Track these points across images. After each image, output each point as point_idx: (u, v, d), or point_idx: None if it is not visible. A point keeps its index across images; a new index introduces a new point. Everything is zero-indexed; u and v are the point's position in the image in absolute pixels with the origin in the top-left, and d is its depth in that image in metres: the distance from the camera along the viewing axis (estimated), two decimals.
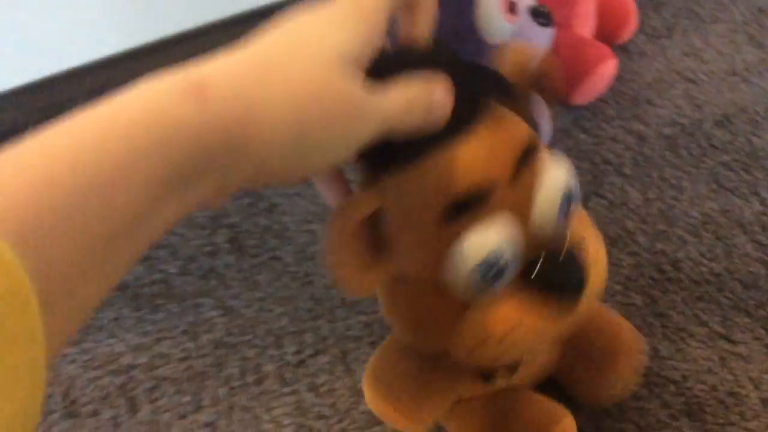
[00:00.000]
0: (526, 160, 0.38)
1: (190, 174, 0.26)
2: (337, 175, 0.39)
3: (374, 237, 0.39)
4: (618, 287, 0.64)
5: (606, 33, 0.86)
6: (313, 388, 0.59)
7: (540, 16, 0.67)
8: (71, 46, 0.76)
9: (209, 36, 0.81)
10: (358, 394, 0.58)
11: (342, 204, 0.37)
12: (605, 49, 0.79)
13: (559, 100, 0.81)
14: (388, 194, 0.38)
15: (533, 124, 0.41)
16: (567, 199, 0.39)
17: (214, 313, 0.65)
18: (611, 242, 0.66)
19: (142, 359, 0.62)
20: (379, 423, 0.56)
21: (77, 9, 0.73)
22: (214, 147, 0.26)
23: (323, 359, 0.61)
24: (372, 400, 0.49)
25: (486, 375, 0.47)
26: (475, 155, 0.37)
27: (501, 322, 0.38)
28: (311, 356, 0.61)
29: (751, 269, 0.64)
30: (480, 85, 0.38)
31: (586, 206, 0.70)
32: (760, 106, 0.79)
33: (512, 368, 0.47)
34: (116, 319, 0.65)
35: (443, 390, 0.48)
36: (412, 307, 0.42)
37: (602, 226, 0.68)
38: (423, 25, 0.37)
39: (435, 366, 0.47)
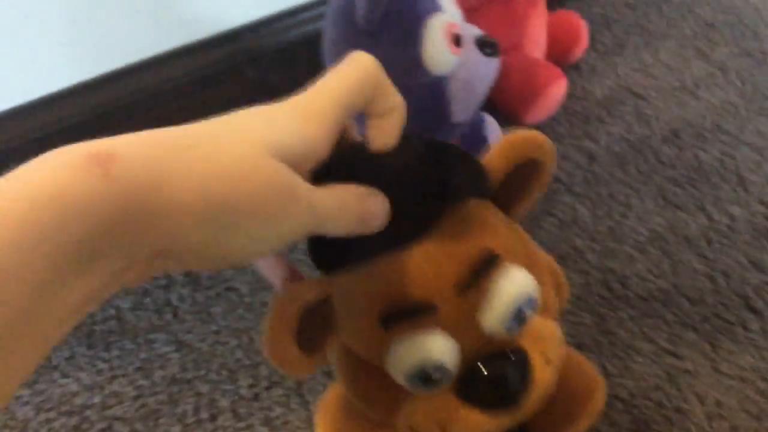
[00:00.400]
0: (477, 274, 0.37)
1: (94, 248, 0.24)
2: (279, 259, 0.38)
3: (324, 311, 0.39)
4: (568, 306, 0.64)
5: (558, 53, 0.88)
6: (267, 422, 0.59)
7: (486, 46, 0.68)
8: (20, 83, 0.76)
9: (165, 65, 0.82)
10: (313, 427, 0.58)
11: (284, 293, 0.37)
12: (556, 71, 0.81)
13: (512, 120, 0.82)
14: (335, 287, 0.38)
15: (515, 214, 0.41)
16: (519, 312, 0.38)
17: (168, 348, 0.65)
18: (561, 261, 0.67)
19: (96, 399, 0.62)
20: None
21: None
22: (117, 218, 0.25)
23: (278, 392, 0.61)
24: None
25: None
26: (421, 268, 0.36)
27: (443, 413, 0.39)
28: (266, 389, 0.61)
29: (697, 284, 0.65)
30: (447, 184, 0.36)
31: (537, 225, 0.71)
32: (707, 120, 0.81)
33: None
34: (70, 357, 0.65)
35: None
36: (358, 380, 0.42)
37: (552, 244, 0.69)
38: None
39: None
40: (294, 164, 0.29)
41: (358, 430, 0.47)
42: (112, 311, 0.68)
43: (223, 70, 0.84)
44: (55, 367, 0.64)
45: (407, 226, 0.35)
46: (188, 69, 0.82)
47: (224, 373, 0.63)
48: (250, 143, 0.28)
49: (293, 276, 0.38)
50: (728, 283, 0.65)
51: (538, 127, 0.81)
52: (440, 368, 0.37)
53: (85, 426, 0.60)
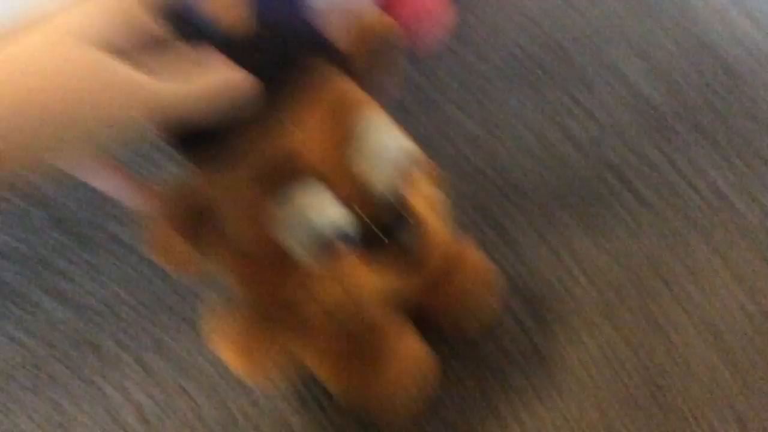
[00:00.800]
0: (353, 129, 0.37)
1: None
2: (114, 167, 0.36)
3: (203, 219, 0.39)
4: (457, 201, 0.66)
5: None
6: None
7: None
8: None
9: None
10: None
11: (163, 197, 0.37)
12: None
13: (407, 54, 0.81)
14: (215, 184, 0.37)
15: (370, 85, 0.41)
16: (401, 167, 0.39)
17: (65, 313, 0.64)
18: (446, 166, 0.68)
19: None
20: None
21: None
22: None
23: None
24: (222, 355, 0.49)
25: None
26: (299, 137, 0.36)
27: (351, 279, 0.40)
28: None
29: (582, 174, 0.68)
30: (302, 54, 0.36)
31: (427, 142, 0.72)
32: (588, 30, 0.82)
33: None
34: None
35: (279, 341, 0.47)
36: (257, 279, 0.42)
37: (442, 160, 0.70)
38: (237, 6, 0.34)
39: (270, 324, 0.46)
40: (111, 47, 0.28)
41: (263, 344, 0.47)
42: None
43: None
44: None
45: (272, 97, 0.35)
46: None
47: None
48: (57, 35, 0.27)
49: (141, 187, 0.37)
50: (610, 168, 0.68)
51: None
52: (337, 223, 0.37)
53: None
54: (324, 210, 0.37)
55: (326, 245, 0.38)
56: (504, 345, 0.58)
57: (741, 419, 0.53)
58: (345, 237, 0.38)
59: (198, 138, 0.35)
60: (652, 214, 0.64)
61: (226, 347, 0.47)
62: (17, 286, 0.66)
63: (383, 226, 0.39)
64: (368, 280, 0.40)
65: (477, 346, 0.58)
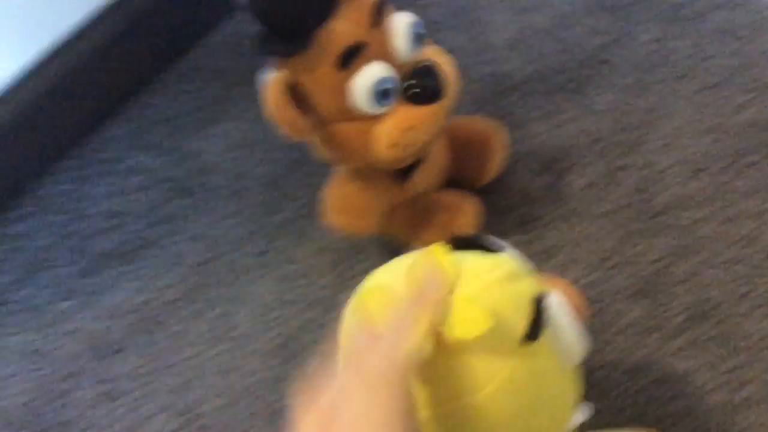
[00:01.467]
0: (379, 16, 0.56)
1: None
2: None
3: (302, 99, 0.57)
4: (470, 106, 0.84)
5: None
6: (285, 261, 0.77)
7: None
8: None
9: None
10: (319, 252, 0.77)
11: (266, 87, 0.56)
12: None
13: None
14: (298, 69, 0.56)
15: None
16: (415, 33, 0.58)
17: (188, 243, 0.81)
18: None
19: (149, 295, 0.78)
20: (340, 263, 0.75)
21: None
22: None
23: (283, 241, 0.79)
24: (332, 218, 0.68)
25: (404, 174, 0.66)
26: (344, 24, 0.55)
27: (402, 122, 0.58)
28: (273, 241, 0.79)
29: (558, 59, 0.85)
30: None
31: None
32: None
33: (422, 160, 0.66)
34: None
35: (379, 196, 0.67)
36: (336, 138, 0.60)
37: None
38: None
39: (369, 184, 0.66)
40: None
41: (353, 197, 0.67)
42: (132, 235, 0.83)
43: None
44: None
45: (325, 5, 0.54)
46: None
47: (238, 243, 0.80)
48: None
49: None
50: (580, 49, 0.85)
51: None
52: (389, 79, 0.56)
53: (149, 315, 0.77)
54: (378, 71, 0.56)
55: (384, 92, 0.56)
56: (518, 188, 0.76)
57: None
58: (394, 88, 0.57)
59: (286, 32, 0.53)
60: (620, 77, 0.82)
61: (334, 210, 0.65)
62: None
63: (418, 76, 0.58)
64: (417, 116, 0.59)
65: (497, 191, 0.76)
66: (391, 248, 0.75)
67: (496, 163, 0.74)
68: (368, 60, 0.57)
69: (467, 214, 0.71)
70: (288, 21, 0.55)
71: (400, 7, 0.58)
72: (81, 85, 0.92)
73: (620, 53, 0.84)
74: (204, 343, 0.74)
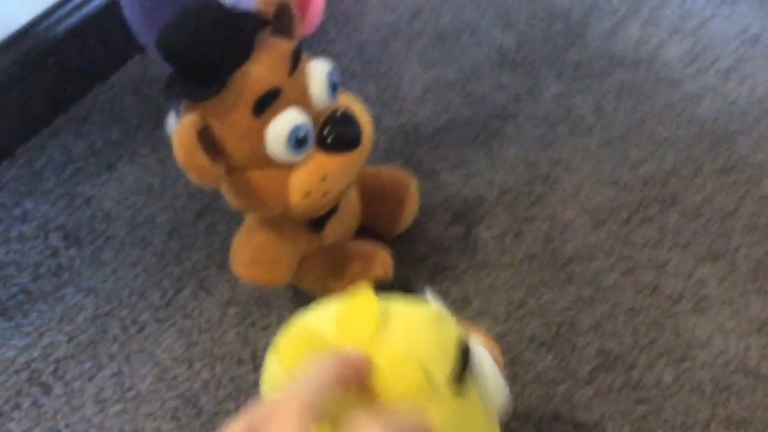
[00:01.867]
0: (296, 63, 0.55)
1: None
2: None
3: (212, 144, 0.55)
4: (382, 156, 0.83)
5: None
6: (186, 316, 0.73)
7: None
8: None
9: None
10: (223, 305, 0.73)
11: (175, 131, 0.53)
12: None
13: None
14: (209, 112, 0.54)
15: (292, 34, 0.58)
16: (332, 82, 0.57)
17: (78, 297, 0.75)
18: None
19: (35, 353, 0.71)
20: (248, 316, 0.72)
21: None
22: None
23: (185, 293, 0.74)
24: (241, 270, 0.65)
25: (316, 224, 0.64)
26: (261, 69, 0.54)
27: (317, 171, 0.57)
28: (174, 295, 0.74)
29: (465, 113, 0.87)
30: (247, 24, 0.54)
31: None
32: None
33: (334, 211, 0.65)
34: None
35: (291, 246, 0.65)
36: (248, 186, 0.58)
37: None
38: None
39: (280, 234, 0.64)
40: None
41: (263, 249, 0.64)
42: (15, 288, 0.77)
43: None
44: None
45: (243, 46, 0.53)
46: None
47: (134, 297, 0.75)
48: None
49: None
50: (485, 104, 0.87)
51: (312, 37, 0.97)
52: (305, 126, 0.55)
53: (36, 375, 0.70)
54: (294, 118, 0.55)
55: (299, 139, 0.55)
56: (430, 239, 0.76)
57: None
58: (309, 136, 0.56)
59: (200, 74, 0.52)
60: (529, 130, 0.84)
61: (244, 261, 0.62)
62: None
63: (334, 124, 0.57)
64: (332, 163, 0.58)
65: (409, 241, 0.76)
66: (301, 300, 0.72)
67: (409, 213, 0.73)
68: (284, 106, 0.55)
69: (381, 264, 0.69)
70: (202, 63, 0.53)
71: (313, 55, 0.58)
72: None
73: (525, 108, 0.86)
74: (96, 405, 0.68)
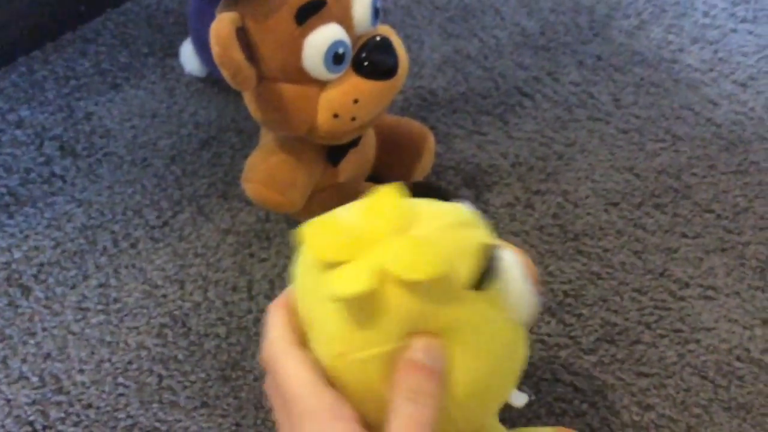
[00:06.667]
0: None
1: None
2: None
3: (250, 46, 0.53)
4: (398, 113, 0.82)
5: None
6: (182, 238, 0.70)
7: None
8: None
9: None
10: (222, 233, 0.70)
11: (214, 25, 0.50)
12: None
13: None
14: (250, 13, 0.52)
15: None
16: (375, 7, 0.55)
17: (69, 206, 0.72)
18: None
19: (17, 254, 0.68)
20: (246, 246, 0.69)
21: None
22: None
23: (184, 216, 0.72)
24: (253, 188, 0.62)
25: (335, 156, 0.62)
26: None
27: (350, 92, 0.55)
28: (172, 216, 0.72)
29: (484, 85, 0.86)
30: None
31: None
32: None
33: (354, 145, 0.63)
34: None
35: (306, 173, 0.62)
36: (276, 98, 0.55)
37: None
38: None
39: (298, 158, 0.61)
40: None
41: (278, 170, 0.61)
42: (2, 189, 0.73)
43: None
44: None
45: None
46: None
47: (129, 213, 0.72)
48: None
49: None
50: (505, 80, 0.87)
51: None
52: (345, 44, 0.53)
53: (15, 276, 0.66)
54: (335, 33, 0.53)
55: (337, 55, 0.53)
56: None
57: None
58: (347, 56, 0.54)
59: None
60: (536, 108, 0.83)
61: (256, 180, 0.60)
62: None
63: (373, 50, 0.55)
64: (367, 89, 0.56)
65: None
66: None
67: (424, 165, 0.72)
68: (326, 20, 0.53)
69: None
70: None
71: None
72: None
73: (542, 90, 0.86)
74: (77, 312, 0.65)
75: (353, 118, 0.57)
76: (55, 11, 0.90)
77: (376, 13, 0.57)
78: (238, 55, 0.51)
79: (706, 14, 0.94)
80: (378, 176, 0.72)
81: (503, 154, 0.79)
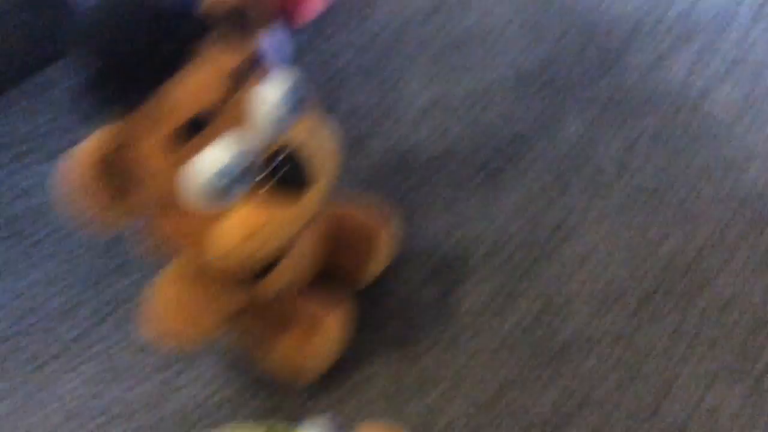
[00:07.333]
0: (237, 84, 0.44)
1: None
2: None
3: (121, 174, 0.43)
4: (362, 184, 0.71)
5: None
6: None
7: None
8: None
9: None
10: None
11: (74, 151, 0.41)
12: None
13: (284, 24, 0.85)
14: (122, 134, 0.43)
15: (249, 51, 0.46)
16: (293, 102, 0.46)
17: None
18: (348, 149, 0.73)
19: None
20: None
21: None
22: None
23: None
24: (159, 323, 0.53)
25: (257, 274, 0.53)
26: (189, 89, 0.42)
27: (245, 226, 0.45)
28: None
29: (467, 144, 0.74)
30: (183, 31, 0.43)
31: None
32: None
33: (282, 257, 0.53)
34: None
35: (220, 298, 0.53)
36: (168, 229, 0.47)
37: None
38: None
39: (208, 281, 0.52)
40: None
41: (183, 302, 0.52)
42: None
43: None
44: None
45: (171, 60, 0.42)
46: None
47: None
48: None
49: None
50: (491, 137, 0.74)
51: (306, 31, 0.84)
52: (231, 170, 0.43)
53: None
54: (222, 158, 0.43)
55: (225, 190, 0.44)
56: (399, 297, 0.64)
57: None
58: (243, 175, 0.44)
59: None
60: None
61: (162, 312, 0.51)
62: None
63: (277, 166, 0.45)
64: (270, 216, 0.46)
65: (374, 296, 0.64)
66: (233, 356, 0.61)
67: (378, 261, 0.62)
68: (211, 139, 0.43)
69: (327, 332, 0.57)
70: (129, 60, 0.42)
71: (303, 51, 0.45)
72: None
73: (536, 148, 0.73)
74: None
75: (257, 252, 0.47)
76: None
77: (296, 108, 0.46)
78: (99, 194, 0.42)
79: (739, 45, 0.78)
80: (327, 274, 0.61)
81: (478, 239, 0.67)
